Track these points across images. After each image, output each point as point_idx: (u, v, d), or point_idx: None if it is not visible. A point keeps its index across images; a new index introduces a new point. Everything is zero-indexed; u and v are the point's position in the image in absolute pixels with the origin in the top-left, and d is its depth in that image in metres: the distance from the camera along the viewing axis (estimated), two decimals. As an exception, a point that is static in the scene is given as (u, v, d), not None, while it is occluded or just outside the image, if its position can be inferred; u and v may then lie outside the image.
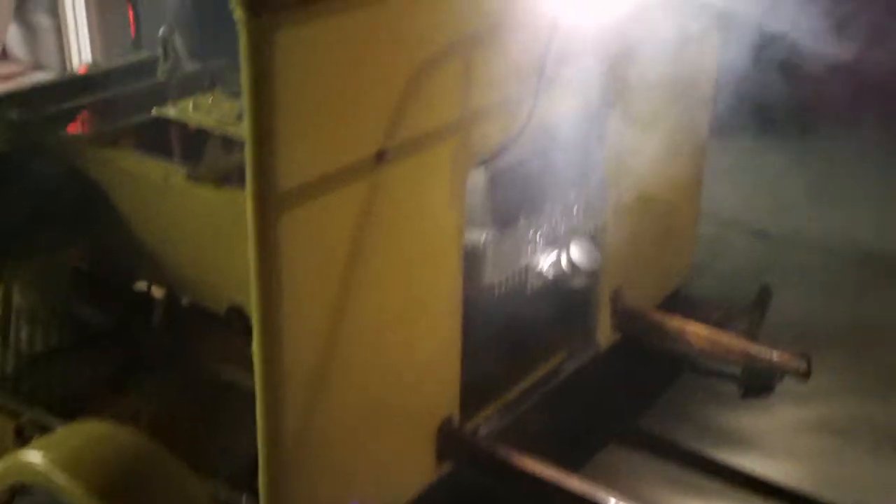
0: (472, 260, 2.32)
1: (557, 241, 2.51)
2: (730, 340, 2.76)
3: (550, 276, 2.48)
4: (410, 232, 2.11)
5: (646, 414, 3.17)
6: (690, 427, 3.17)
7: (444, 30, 2.02)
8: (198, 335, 2.65)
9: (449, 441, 2.35)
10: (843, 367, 3.35)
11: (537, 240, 2.46)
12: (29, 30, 5.48)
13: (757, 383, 3.09)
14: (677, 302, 3.27)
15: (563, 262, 2.47)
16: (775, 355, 2.69)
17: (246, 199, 1.79)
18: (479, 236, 2.34)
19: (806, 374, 2.67)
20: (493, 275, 2.39)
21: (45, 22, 5.41)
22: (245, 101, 1.71)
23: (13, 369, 2.77)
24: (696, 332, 2.80)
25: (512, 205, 2.40)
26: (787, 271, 3.93)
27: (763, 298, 3.14)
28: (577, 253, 2.47)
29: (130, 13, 3.25)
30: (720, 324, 3.01)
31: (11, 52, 5.68)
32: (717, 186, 3.80)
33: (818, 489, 2.80)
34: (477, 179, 2.29)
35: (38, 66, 5.56)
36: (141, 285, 2.75)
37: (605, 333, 2.89)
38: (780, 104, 4.27)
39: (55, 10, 5.32)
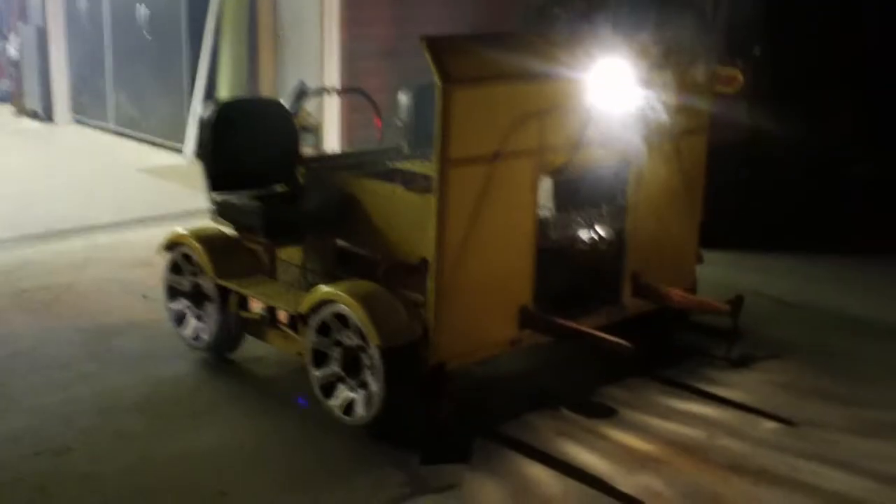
0: (542, 225, 4.58)
1: (591, 225, 4.76)
2: (693, 298, 4.88)
3: (586, 243, 4.71)
4: (507, 200, 4.39)
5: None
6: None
7: (532, 102, 4.37)
8: (401, 276, 4.98)
9: (525, 315, 4.53)
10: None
11: (580, 221, 4.72)
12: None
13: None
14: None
15: (592, 234, 4.71)
16: (712, 301, 4.80)
17: (434, 182, 4.17)
18: (546, 213, 4.61)
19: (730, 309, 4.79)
20: (554, 235, 4.64)
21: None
22: (436, 120, 4.10)
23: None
24: (676, 294, 4.92)
25: (566, 200, 4.67)
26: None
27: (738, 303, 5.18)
28: (599, 230, 4.71)
29: (378, 125, 5.83)
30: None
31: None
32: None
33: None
34: (546, 182, 4.58)
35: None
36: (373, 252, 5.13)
37: (629, 301, 5.03)
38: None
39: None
